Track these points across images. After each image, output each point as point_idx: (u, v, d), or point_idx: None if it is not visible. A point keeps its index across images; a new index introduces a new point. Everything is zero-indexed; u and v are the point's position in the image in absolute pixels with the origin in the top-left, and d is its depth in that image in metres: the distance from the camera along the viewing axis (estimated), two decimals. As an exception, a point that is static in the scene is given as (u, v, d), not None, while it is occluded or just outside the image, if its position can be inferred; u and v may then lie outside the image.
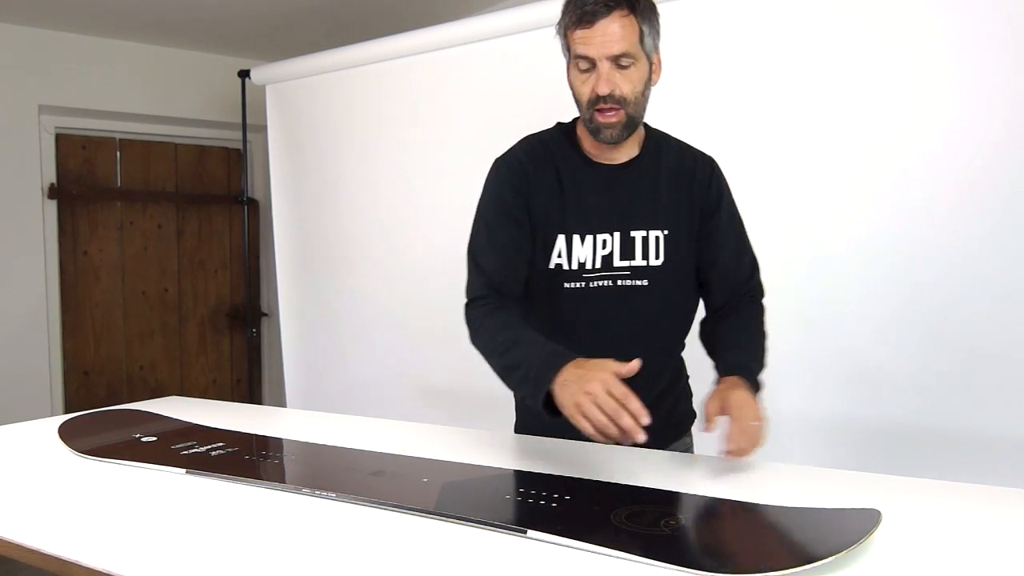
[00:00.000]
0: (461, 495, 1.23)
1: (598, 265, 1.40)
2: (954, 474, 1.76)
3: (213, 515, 1.11)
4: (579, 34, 1.30)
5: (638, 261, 1.40)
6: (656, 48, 1.35)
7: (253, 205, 4.20)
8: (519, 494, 1.13)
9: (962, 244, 1.92)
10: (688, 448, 1.57)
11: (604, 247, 1.40)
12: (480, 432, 1.64)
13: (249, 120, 3.65)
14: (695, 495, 1.11)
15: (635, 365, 1.13)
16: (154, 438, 1.57)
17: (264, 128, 3.51)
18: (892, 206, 2.00)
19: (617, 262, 1.40)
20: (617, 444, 1.18)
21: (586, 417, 1.10)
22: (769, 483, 1.20)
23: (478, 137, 1.95)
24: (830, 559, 0.84)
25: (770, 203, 2.17)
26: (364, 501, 1.12)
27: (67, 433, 1.62)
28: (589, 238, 1.39)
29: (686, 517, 1.02)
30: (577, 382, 1.13)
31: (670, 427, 1.53)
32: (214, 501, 1.17)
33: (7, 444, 1.58)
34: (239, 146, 3.99)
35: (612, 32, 1.27)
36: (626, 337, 1.41)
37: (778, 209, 2.16)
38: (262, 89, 3.44)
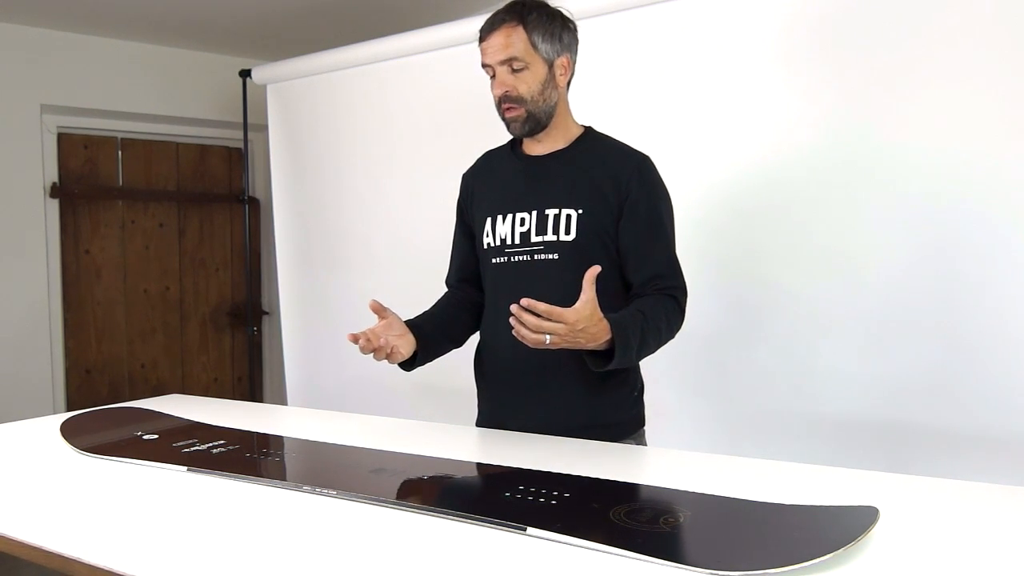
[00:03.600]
0: (461, 493, 1.23)
1: (517, 240, 1.57)
2: (951, 472, 1.77)
3: (214, 513, 1.12)
4: (481, 47, 1.56)
5: (550, 236, 1.54)
6: (559, 53, 1.55)
7: (254, 204, 4.20)
8: (519, 491, 1.14)
9: (961, 243, 1.92)
10: None
11: (523, 224, 1.57)
12: (480, 430, 1.65)
13: (250, 119, 3.66)
14: (694, 493, 1.11)
15: (371, 303, 1.53)
16: (155, 436, 1.58)
17: (265, 127, 3.52)
18: (892, 207, 2.00)
19: (534, 237, 1.55)
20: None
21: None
22: (767, 481, 1.21)
23: (478, 136, 1.95)
24: (828, 556, 0.84)
25: (771, 204, 2.17)
26: (364, 498, 1.13)
27: (69, 431, 1.63)
28: (509, 216, 1.59)
29: (685, 515, 1.03)
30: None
31: (599, 426, 1.54)
32: (215, 499, 1.18)
33: (9, 442, 1.59)
34: (240, 145, 3.99)
35: (499, 42, 1.52)
36: None
37: (779, 211, 2.16)
38: (263, 88, 3.45)
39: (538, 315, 1.33)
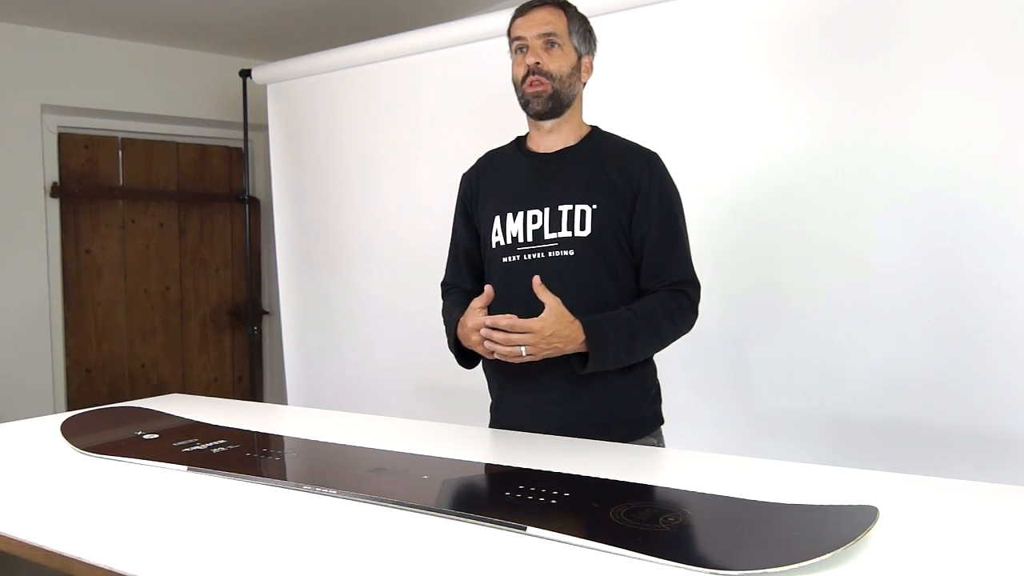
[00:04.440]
0: (461, 492, 1.23)
1: (530, 239, 1.55)
2: (951, 471, 1.77)
3: (214, 512, 1.12)
4: (517, 22, 1.57)
5: (564, 232, 1.53)
6: (587, 53, 1.60)
7: (254, 204, 4.20)
8: (519, 491, 1.14)
9: (962, 243, 1.92)
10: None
11: (535, 222, 1.55)
12: (480, 430, 1.65)
13: (250, 119, 3.66)
14: (694, 492, 1.12)
15: (488, 290, 1.49)
16: (156, 435, 1.58)
17: (265, 127, 3.52)
18: (895, 207, 2.00)
19: (547, 235, 1.54)
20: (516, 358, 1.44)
21: (486, 347, 1.45)
22: (767, 480, 1.21)
23: (478, 136, 1.96)
24: (827, 556, 0.84)
25: (772, 206, 2.17)
26: (364, 498, 1.13)
27: (69, 430, 1.63)
28: (520, 214, 1.57)
29: (685, 514, 1.03)
30: (464, 332, 1.52)
31: (619, 423, 1.54)
32: (215, 498, 1.18)
33: (10, 441, 1.59)
34: (240, 145, 3.99)
35: (542, 17, 1.55)
36: None
37: (781, 210, 2.16)
38: (263, 88, 3.45)
39: (504, 330, 1.39)
